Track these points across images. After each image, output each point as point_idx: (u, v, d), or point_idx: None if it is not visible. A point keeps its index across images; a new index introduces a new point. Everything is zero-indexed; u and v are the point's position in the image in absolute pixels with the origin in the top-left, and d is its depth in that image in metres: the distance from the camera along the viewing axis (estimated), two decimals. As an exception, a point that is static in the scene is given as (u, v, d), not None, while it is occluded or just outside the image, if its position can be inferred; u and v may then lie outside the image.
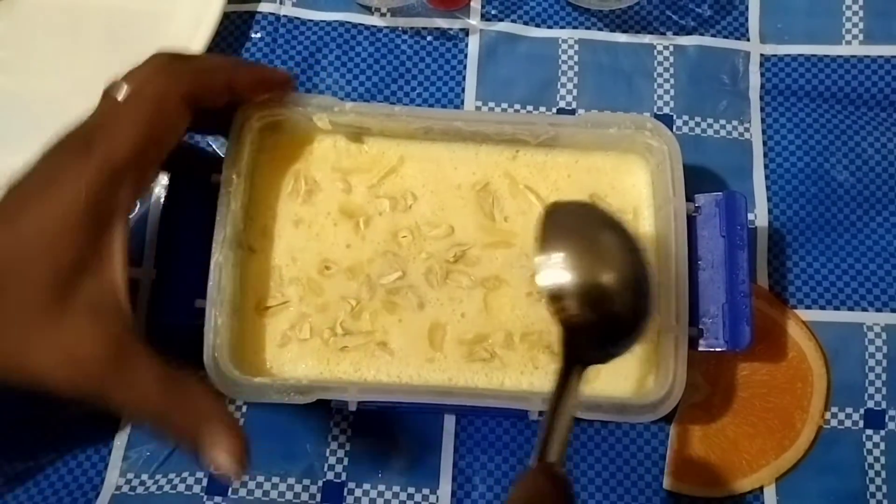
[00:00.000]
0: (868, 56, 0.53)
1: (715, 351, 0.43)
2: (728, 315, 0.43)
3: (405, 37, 0.53)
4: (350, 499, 0.45)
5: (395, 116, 0.45)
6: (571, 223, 0.38)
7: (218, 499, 0.45)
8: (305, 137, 0.46)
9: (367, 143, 0.46)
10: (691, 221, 0.44)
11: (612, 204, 0.46)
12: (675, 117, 0.51)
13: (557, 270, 0.36)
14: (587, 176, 0.46)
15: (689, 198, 0.44)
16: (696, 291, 0.43)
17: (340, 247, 0.45)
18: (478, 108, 0.52)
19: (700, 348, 0.43)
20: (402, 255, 0.45)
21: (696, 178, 0.49)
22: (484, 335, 0.44)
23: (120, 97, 0.38)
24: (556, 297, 0.36)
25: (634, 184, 0.46)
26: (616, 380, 0.43)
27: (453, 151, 0.46)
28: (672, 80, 0.52)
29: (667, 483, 0.46)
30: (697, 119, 0.51)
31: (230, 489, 0.45)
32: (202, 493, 0.45)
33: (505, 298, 0.44)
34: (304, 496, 0.45)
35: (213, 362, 0.41)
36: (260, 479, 0.45)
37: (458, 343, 0.44)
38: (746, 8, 0.54)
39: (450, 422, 0.46)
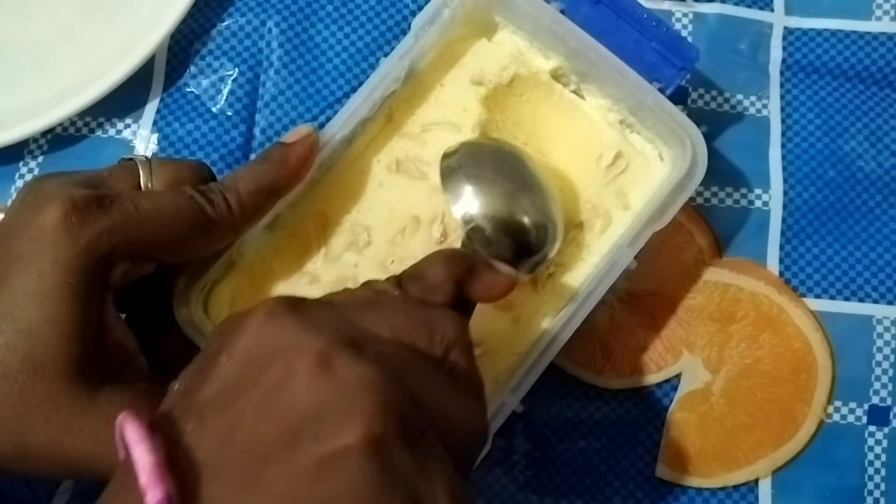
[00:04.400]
0: (899, 33, 0.50)
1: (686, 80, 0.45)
2: (663, 48, 0.43)
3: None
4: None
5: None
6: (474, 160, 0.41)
7: None
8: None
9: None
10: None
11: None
12: (690, 90, 0.49)
13: (471, 202, 0.39)
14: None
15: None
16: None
17: None
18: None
19: (679, 86, 0.44)
20: None
21: (710, 155, 0.46)
22: None
23: None
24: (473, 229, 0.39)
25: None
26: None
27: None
28: (689, 50, 0.49)
29: (660, 471, 0.44)
30: (713, 93, 0.49)
31: None
32: None
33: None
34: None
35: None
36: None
37: None
38: (772, -24, 0.51)
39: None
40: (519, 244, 0.40)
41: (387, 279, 0.33)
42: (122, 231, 0.33)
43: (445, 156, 0.40)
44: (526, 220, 0.40)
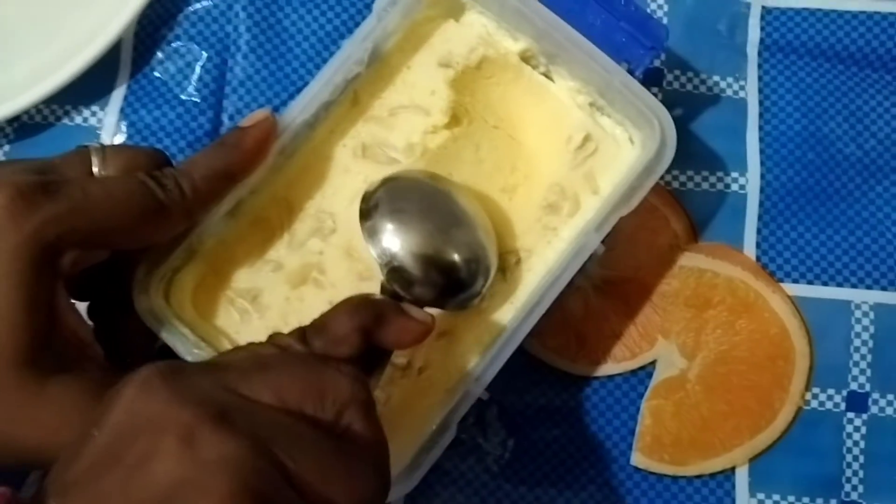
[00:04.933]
0: (878, 13, 0.49)
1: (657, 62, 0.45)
2: (632, 28, 0.42)
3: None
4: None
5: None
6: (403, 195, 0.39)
7: None
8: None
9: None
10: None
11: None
12: (665, 71, 0.48)
13: (391, 241, 0.37)
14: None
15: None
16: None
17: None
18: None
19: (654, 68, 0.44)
20: None
21: (686, 138, 0.46)
22: None
23: None
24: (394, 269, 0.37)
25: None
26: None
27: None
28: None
29: (635, 459, 0.44)
30: (690, 74, 0.48)
31: None
32: None
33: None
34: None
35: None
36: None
37: None
38: (751, -45, 0.50)
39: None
40: (448, 281, 0.38)
41: (291, 332, 0.32)
42: (70, 217, 0.32)
43: (366, 196, 0.39)
44: (455, 256, 0.38)
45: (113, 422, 0.27)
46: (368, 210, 0.38)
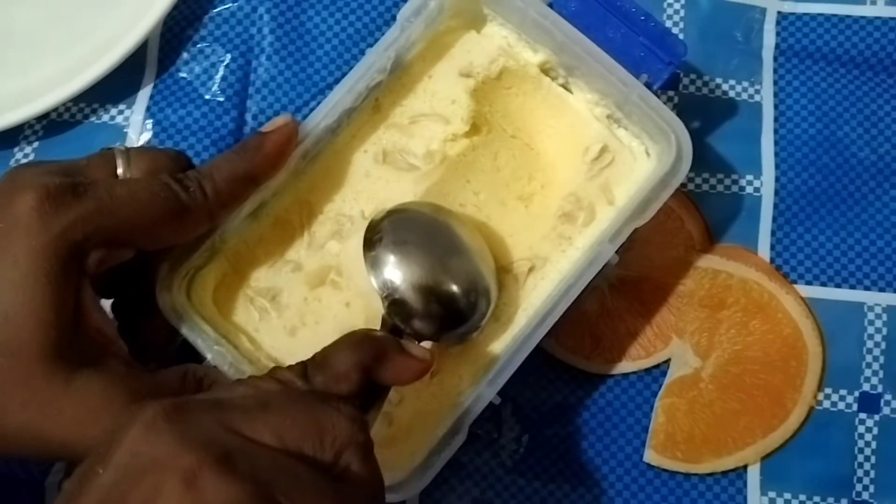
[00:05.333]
0: (893, 18, 0.50)
1: (676, 73, 0.46)
2: (650, 42, 0.43)
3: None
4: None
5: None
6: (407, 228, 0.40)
7: None
8: None
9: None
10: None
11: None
12: (681, 75, 0.49)
13: (393, 273, 0.38)
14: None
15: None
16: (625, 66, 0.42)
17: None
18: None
19: (667, 79, 0.43)
20: None
21: (702, 141, 0.47)
22: None
23: None
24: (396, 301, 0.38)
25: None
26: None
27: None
28: (682, 35, 0.49)
29: (647, 456, 0.44)
30: (706, 78, 0.49)
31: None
32: None
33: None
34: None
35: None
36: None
37: None
38: (766, -39, 0.51)
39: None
40: (447, 312, 0.39)
41: (292, 367, 0.33)
42: (96, 217, 0.33)
43: (371, 225, 0.39)
44: (454, 287, 0.39)
45: (118, 462, 0.27)
46: (372, 241, 0.39)
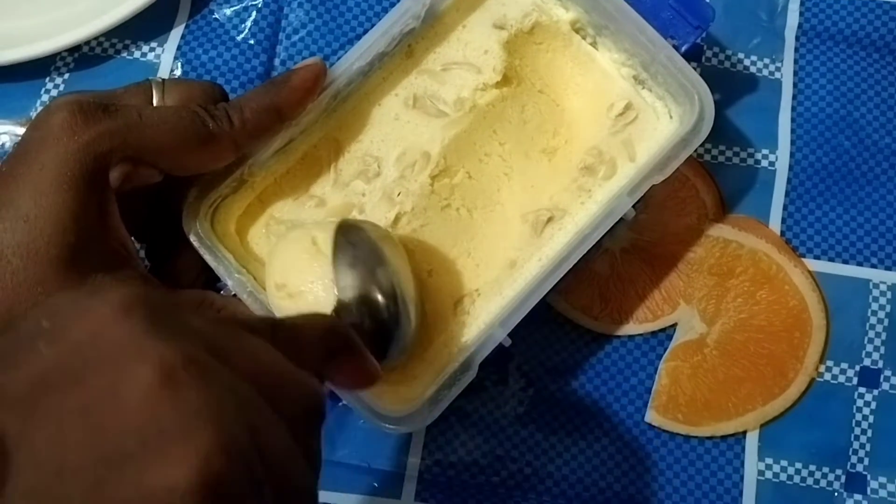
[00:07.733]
0: (916, 4, 0.50)
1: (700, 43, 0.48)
2: (679, 6, 0.44)
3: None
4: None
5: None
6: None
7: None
8: None
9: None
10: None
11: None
12: (704, 48, 0.49)
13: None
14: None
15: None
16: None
17: None
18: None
19: (694, 44, 0.45)
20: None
21: (721, 114, 0.48)
22: None
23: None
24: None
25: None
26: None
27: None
28: (708, 8, 0.50)
29: (649, 417, 0.45)
30: (728, 52, 0.50)
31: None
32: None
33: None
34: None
35: None
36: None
37: None
38: (794, -60, 0.51)
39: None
40: (377, 327, 0.37)
41: (261, 318, 0.32)
42: (124, 132, 0.34)
43: (343, 225, 0.38)
44: (380, 298, 0.37)
45: (73, 340, 0.24)
46: (347, 242, 0.37)
